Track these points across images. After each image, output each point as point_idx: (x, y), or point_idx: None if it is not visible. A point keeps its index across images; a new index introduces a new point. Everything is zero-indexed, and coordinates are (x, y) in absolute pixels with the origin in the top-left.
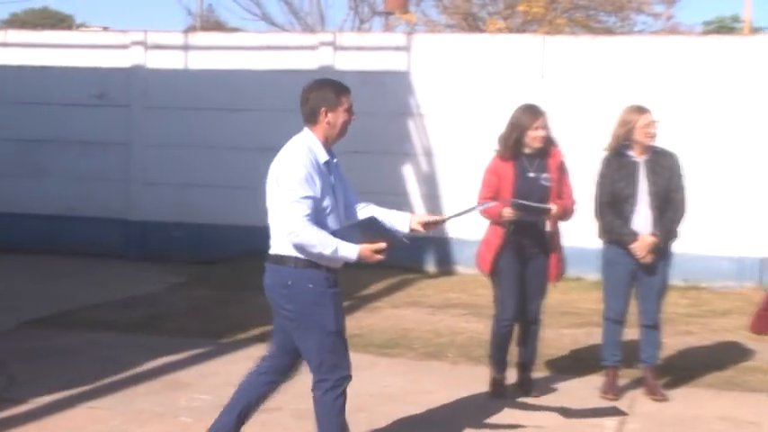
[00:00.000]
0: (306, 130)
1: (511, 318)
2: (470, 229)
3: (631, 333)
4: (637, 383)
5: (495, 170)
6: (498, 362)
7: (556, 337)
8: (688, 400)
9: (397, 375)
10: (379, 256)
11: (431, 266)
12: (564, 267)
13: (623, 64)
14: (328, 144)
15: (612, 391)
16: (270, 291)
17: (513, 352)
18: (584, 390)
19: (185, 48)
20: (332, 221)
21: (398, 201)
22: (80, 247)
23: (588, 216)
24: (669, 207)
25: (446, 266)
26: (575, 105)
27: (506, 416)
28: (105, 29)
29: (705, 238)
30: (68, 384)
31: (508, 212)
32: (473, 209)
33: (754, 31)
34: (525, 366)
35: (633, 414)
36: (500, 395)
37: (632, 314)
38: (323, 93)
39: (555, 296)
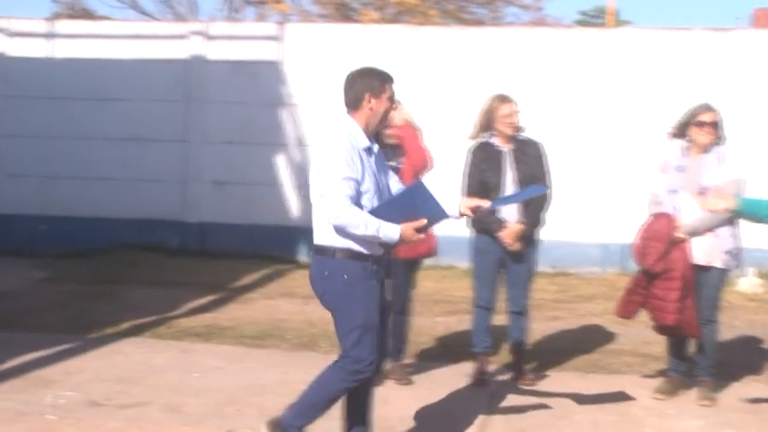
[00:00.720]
0: (346, 116)
1: None
2: None
3: (502, 319)
4: (506, 369)
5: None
6: None
7: (429, 325)
8: (555, 384)
9: (270, 367)
10: (421, 236)
11: (304, 257)
12: (432, 246)
13: (493, 54)
14: (368, 131)
15: (483, 376)
16: (311, 281)
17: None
18: (455, 376)
19: (50, 36)
20: (372, 206)
21: (272, 191)
22: None
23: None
24: None
25: None
26: (447, 95)
27: (378, 403)
28: None
29: (572, 226)
30: None
31: None
32: (520, 195)
33: (620, 23)
34: (394, 355)
35: (500, 398)
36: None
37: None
38: (368, 80)
39: (428, 284)
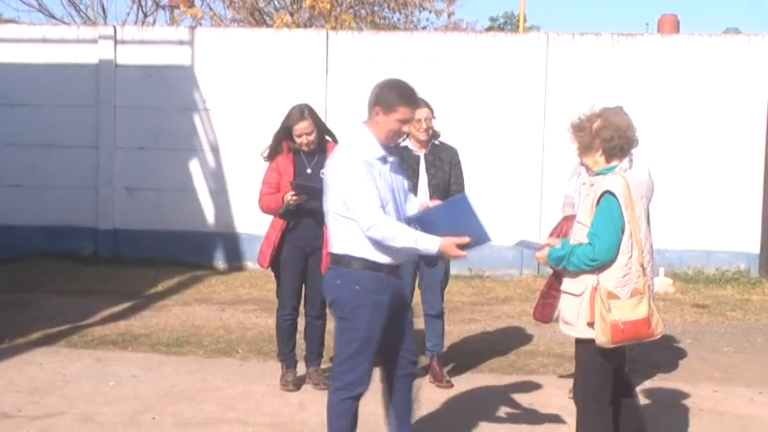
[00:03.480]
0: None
1: (290, 312)
2: (258, 225)
3: (419, 323)
4: (423, 371)
5: (275, 167)
6: (286, 356)
7: None
8: (472, 386)
9: (186, 374)
10: (463, 253)
11: (220, 263)
12: None
13: (406, 59)
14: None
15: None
16: (324, 288)
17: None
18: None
19: None
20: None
21: (185, 197)
22: None
23: None
24: None
25: (236, 262)
26: (358, 100)
27: (296, 407)
28: None
29: (487, 229)
30: None
31: (290, 196)
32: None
33: (529, 29)
34: (312, 360)
35: (419, 401)
36: (290, 388)
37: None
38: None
39: None
